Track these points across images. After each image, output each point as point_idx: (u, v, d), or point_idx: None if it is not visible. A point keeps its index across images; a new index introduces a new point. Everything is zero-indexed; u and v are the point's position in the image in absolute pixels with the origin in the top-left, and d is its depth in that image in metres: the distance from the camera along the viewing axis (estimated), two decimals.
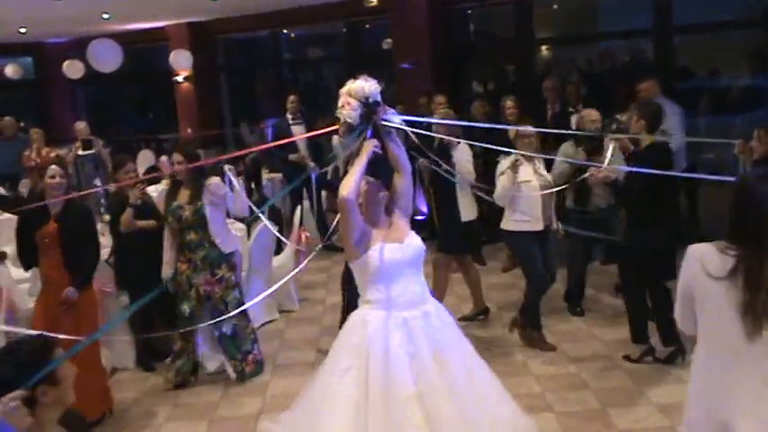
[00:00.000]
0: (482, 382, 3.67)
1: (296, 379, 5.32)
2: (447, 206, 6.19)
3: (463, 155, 6.28)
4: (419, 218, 9.45)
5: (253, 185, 8.39)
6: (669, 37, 8.70)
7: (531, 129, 5.76)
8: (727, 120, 9.23)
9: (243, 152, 6.13)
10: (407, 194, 3.84)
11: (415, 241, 3.74)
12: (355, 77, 3.75)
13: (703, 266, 2.53)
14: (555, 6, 10.84)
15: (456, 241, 6.33)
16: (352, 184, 3.54)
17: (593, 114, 5.90)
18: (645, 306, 5.45)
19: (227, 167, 6.15)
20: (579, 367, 5.45)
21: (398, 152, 3.80)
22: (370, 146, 3.63)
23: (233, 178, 5.92)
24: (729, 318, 2.48)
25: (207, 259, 5.43)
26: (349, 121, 3.64)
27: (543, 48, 10.89)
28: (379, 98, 3.69)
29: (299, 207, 7.92)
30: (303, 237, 6.90)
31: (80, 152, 10.18)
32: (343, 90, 3.70)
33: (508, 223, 5.79)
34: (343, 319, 4.21)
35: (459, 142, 6.08)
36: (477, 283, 6.56)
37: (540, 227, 5.71)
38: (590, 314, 6.47)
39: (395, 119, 3.76)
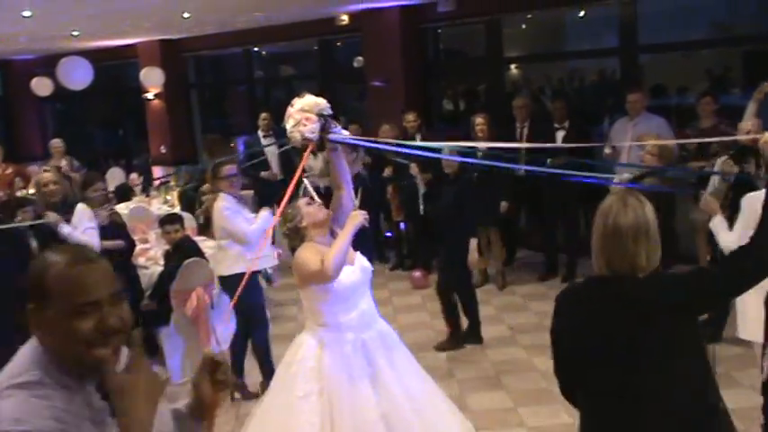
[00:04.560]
0: (435, 395, 3.75)
1: None
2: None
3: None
4: (388, 234, 9.37)
5: None
6: (635, 56, 8.87)
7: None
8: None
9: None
10: (347, 211, 3.75)
11: (363, 261, 3.75)
12: (300, 96, 3.69)
13: None
14: (524, 26, 10.99)
15: None
16: (339, 258, 3.41)
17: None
18: None
19: None
20: None
21: (342, 168, 3.79)
22: (360, 218, 3.54)
23: None
24: None
25: None
26: (310, 136, 3.59)
27: (512, 66, 11.02)
28: (331, 111, 3.70)
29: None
30: (276, 255, 6.86)
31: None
32: (294, 109, 3.63)
33: None
34: None
35: None
36: None
37: None
38: None
39: (343, 133, 3.79)
